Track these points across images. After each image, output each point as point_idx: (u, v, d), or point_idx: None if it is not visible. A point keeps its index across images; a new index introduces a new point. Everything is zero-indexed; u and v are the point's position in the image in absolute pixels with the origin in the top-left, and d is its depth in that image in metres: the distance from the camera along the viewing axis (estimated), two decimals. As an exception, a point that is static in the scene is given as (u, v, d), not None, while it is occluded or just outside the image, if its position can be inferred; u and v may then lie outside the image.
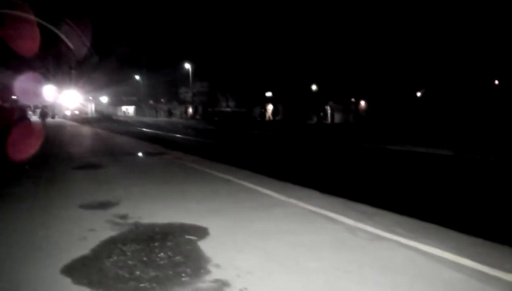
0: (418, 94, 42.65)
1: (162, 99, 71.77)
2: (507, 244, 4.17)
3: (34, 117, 41.24)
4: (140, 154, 13.11)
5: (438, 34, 35.03)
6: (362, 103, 48.88)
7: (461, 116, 30.66)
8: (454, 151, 13.51)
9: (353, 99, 48.65)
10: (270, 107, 55.66)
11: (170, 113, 65.99)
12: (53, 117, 51.24)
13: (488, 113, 30.64)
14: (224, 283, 3.32)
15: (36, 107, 51.10)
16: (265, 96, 53.49)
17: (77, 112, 60.24)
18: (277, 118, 51.81)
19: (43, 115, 35.27)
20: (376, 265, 3.69)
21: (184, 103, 66.54)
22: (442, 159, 12.86)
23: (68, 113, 58.72)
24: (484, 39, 33.13)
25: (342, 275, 3.49)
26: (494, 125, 24.43)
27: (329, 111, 51.50)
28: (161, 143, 16.96)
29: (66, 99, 59.78)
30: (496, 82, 37.80)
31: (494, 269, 3.52)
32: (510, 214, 6.30)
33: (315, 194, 6.61)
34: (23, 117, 29.69)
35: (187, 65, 54.24)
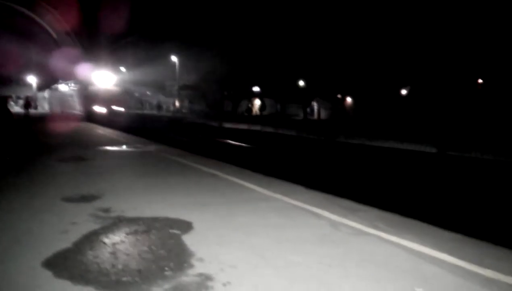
0: (404, 91, 43.14)
1: (148, 92, 70.84)
2: (475, 237, 4.27)
3: (18, 109, 40.06)
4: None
5: (425, 33, 35.41)
6: (348, 99, 49.25)
7: (446, 113, 31.13)
8: (438, 148, 13.73)
9: (339, 96, 48.98)
10: (257, 102, 55.56)
11: (159, 108, 64.81)
12: (35, 108, 47.56)
13: (473, 110, 31.16)
14: (207, 277, 3.32)
15: (18, 97, 49.42)
16: (252, 91, 53.37)
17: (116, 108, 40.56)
18: (264, 113, 51.80)
19: (27, 106, 34.44)
20: (359, 259, 3.74)
21: (170, 96, 65.74)
22: (423, 156, 13.06)
23: (100, 110, 38.28)
24: (469, 38, 33.63)
25: (326, 269, 3.53)
26: (478, 123, 24.88)
27: (315, 107, 51.74)
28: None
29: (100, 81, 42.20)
30: (480, 81, 38.49)
31: (472, 264, 3.60)
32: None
33: (300, 189, 6.65)
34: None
35: (174, 58, 53.58)
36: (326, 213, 5.20)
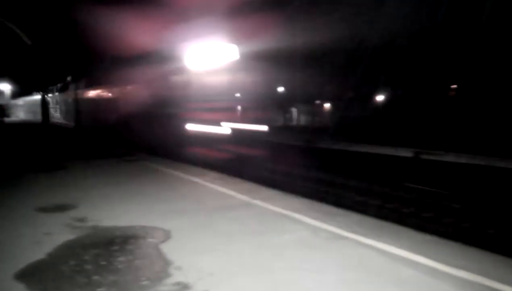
0: (381, 97, 43.88)
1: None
2: (452, 239, 4.38)
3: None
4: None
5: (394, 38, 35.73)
6: (327, 105, 49.75)
7: (421, 118, 31.79)
8: (414, 153, 14.00)
9: (317, 102, 49.42)
10: (237, 108, 55.29)
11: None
12: (8, 116, 44.68)
13: (448, 115, 31.89)
14: (185, 286, 3.29)
15: None
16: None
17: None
18: (245, 119, 51.30)
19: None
20: (337, 263, 3.77)
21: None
22: (399, 160, 13.32)
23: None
24: (440, 43, 34.40)
25: (305, 274, 3.54)
26: (454, 126, 25.53)
27: (294, 113, 52.04)
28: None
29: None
30: (454, 86, 39.45)
31: (447, 265, 3.68)
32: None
33: (279, 195, 6.67)
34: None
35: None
36: (305, 218, 5.23)
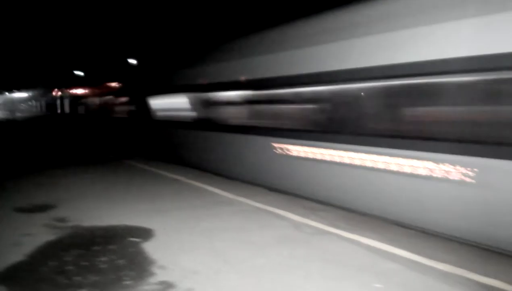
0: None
1: None
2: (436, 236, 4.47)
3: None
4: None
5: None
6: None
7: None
8: None
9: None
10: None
11: None
12: None
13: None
14: (169, 285, 3.26)
15: None
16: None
17: None
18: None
19: None
20: (320, 258, 3.80)
21: None
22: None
23: None
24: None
25: (289, 270, 3.56)
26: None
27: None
28: None
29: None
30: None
31: (427, 259, 3.75)
32: None
33: (263, 191, 6.67)
34: None
35: None
36: (288, 214, 5.25)
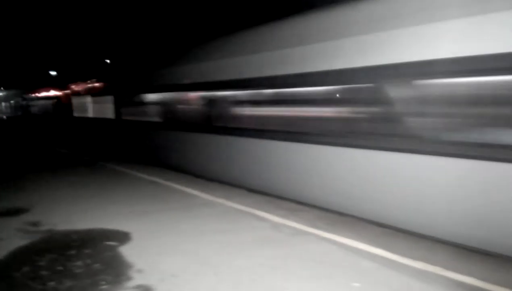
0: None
1: None
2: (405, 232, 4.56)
3: None
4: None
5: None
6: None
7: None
8: None
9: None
10: None
11: None
12: None
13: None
14: (146, 289, 3.21)
15: None
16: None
17: None
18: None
19: None
20: (300, 259, 3.82)
21: None
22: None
23: None
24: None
25: (269, 271, 3.56)
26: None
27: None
28: None
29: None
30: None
31: (404, 257, 3.81)
32: None
33: (242, 193, 6.65)
34: None
35: None
36: (268, 215, 5.26)
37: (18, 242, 4.33)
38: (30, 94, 29.38)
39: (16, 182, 7.87)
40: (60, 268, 3.62)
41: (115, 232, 4.65)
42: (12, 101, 42.18)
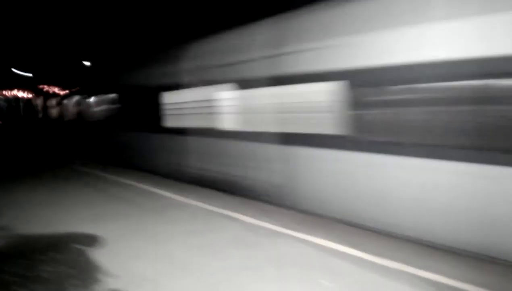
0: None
1: None
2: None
3: None
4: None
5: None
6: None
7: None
8: None
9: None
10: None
11: None
12: None
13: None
14: (120, 293, 3.18)
15: None
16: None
17: None
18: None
19: None
20: (273, 259, 3.87)
21: None
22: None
23: None
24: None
25: (243, 272, 3.59)
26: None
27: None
28: None
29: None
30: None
31: (373, 255, 3.93)
32: None
33: (214, 194, 6.66)
34: None
35: None
36: (241, 217, 5.29)
37: (-18, 247, 4.18)
38: None
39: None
40: (28, 273, 3.52)
41: (86, 235, 4.56)
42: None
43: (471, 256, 3.77)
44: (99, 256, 3.96)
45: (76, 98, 12.28)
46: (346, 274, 3.54)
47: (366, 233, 4.58)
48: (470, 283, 3.27)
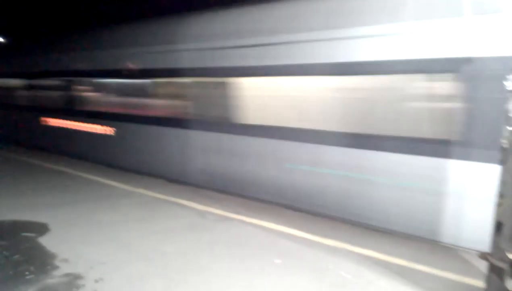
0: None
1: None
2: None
3: None
4: None
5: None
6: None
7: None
8: None
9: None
10: None
11: None
12: None
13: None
14: (76, 276, 3.18)
15: None
16: None
17: None
18: None
19: None
20: (225, 242, 4.06)
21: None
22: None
23: None
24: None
25: (197, 254, 3.74)
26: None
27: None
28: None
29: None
30: None
31: (317, 236, 4.28)
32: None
33: (163, 183, 6.67)
34: None
35: None
36: (192, 204, 5.40)
37: None
38: None
39: None
40: (-29, 262, 3.37)
41: (30, 223, 4.41)
42: None
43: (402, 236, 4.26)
44: (48, 242, 3.88)
45: None
46: (294, 253, 3.84)
47: (308, 217, 4.92)
48: (392, 256, 3.73)
